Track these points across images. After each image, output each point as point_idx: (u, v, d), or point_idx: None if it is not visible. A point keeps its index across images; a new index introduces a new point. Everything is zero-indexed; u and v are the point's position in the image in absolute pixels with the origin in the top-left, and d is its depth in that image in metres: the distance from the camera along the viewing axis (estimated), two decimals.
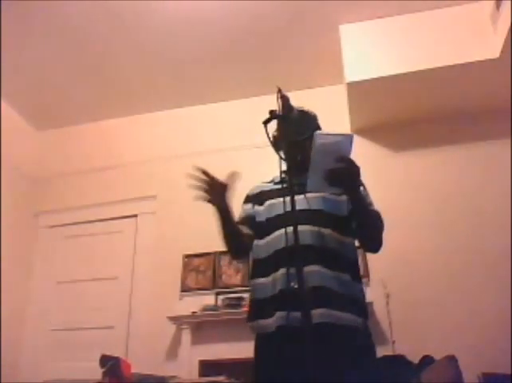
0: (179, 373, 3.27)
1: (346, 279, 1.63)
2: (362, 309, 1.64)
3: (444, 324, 3.18)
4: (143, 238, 4.07)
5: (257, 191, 1.90)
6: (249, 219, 1.84)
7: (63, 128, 4.64)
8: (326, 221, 1.67)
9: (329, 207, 1.70)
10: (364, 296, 1.69)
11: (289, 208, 1.39)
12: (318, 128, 1.91)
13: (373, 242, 1.72)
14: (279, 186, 1.81)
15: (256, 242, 1.78)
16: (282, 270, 1.60)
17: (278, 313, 1.56)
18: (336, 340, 1.50)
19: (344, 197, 1.72)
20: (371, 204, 1.76)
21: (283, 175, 1.71)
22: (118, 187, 4.28)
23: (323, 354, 1.30)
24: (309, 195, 1.69)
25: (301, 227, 1.51)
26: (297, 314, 1.38)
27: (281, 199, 1.56)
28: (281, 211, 1.64)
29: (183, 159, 4.22)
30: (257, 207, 1.84)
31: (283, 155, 1.66)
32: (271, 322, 1.59)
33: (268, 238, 1.71)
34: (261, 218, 1.80)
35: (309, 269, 1.55)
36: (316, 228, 1.64)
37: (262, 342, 1.65)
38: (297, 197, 1.50)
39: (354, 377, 1.47)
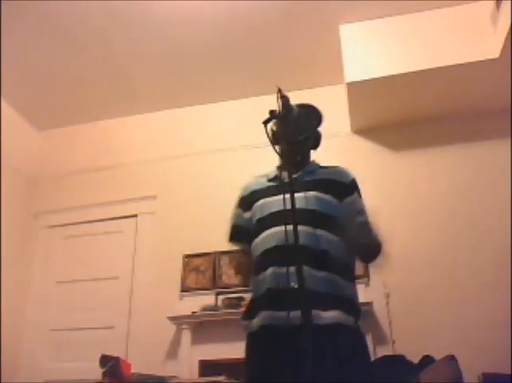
0: (179, 373, 3.27)
1: (336, 280, 1.61)
2: (353, 308, 1.62)
3: (444, 324, 3.18)
4: (143, 238, 4.07)
5: (248, 191, 1.88)
6: (240, 231, 1.86)
7: (63, 128, 4.64)
8: (320, 221, 1.65)
9: (323, 207, 1.69)
10: (356, 296, 1.68)
11: (282, 208, 1.39)
12: (319, 125, 1.90)
13: (367, 259, 1.77)
14: (273, 183, 1.80)
15: (254, 241, 1.76)
16: (271, 269, 1.60)
17: (264, 313, 1.56)
18: (321, 340, 1.46)
19: (336, 200, 1.72)
20: (362, 212, 1.75)
21: (278, 173, 1.70)
22: (118, 187, 4.27)
23: (308, 354, 1.30)
24: (301, 194, 1.67)
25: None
26: (283, 314, 1.38)
27: (275, 198, 1.55)
28: (274, 210, 1.65)
29: (182, 159, 4.23)
30: (249, 212, 1.84)
31: (282, 154, 1.67)
32: (255, 321, 1.60)
33: (260, 237, 1.71)
34: (256, 216, 1.79)
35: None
36: (309, 228, 1.62)
37: (249, 341, 1.66)
38: (288, 195, 1.50)
39: (342, 377, 1.45)
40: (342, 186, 1.76)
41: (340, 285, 1.62)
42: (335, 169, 1.85)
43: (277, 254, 1.56)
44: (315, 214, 1.66)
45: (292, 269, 1.47)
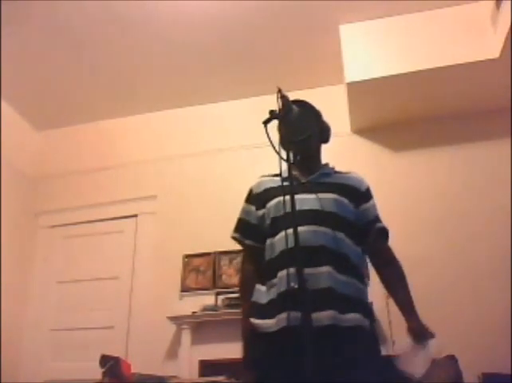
0: (179, 373, 3.27)
1: (355, 283, 1.63)
2: (369, 311, 1.65)
3: (444, 324, 3.18)
4: (143, 238, 4.07)
5: (261, 189, 1.82)
6: (249, 228, 1.79)
7: (63, 128, 4.63)
8: (339, 224, 1.65)
9: (342, 211, 1.67)
10: (368, 299, 1.71)
11: (296, 207, 1.38)
12: (320, 126, 1.89)
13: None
14: (287, 183, 1.78)
15: (269, 241, 1.71)
16: (290, 270, 1.55)
17: (286, 314, 1.52)
18: (342, 342, 1.50)
19: (352, 205, 1.72)
20: (379, 219, 1.77)
21: (295, 173, 1.68)
22: (118, 187, 4.28)
23: (329, 356, 1.30)
24: (321, 195, 1.66)
25: (315, 228, 1.54)
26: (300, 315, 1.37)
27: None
28: (289, 210, 1.63)
29: (183, 159, 4.23)
30: (262, 210, 1.78)
31: (285, 156, 1.66)
32: (276, 322, 1.56)
33: (277, 237, 1.66)
34: (270, 215, 1.73)
35: (322, 270, 1.54)
36: (329, 230, 1.61)
37: (264, 342, 1.60)
38: (307, 196, 1.52)
39: (361, 378, 1.47)
40: (359, 193, 1.77)
41: (358, 288, 1.64)
42: (350, 175, 1.84)
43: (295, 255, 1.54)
44: (334, 216, 1.65)
45: (315, 270, 1.50)
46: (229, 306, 3.41)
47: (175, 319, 3.51)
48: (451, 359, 2.53)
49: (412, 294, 3.25)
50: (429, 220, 3.51)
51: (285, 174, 1.81)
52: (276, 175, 1.83)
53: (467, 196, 3.54)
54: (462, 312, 3.19)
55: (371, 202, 1.78)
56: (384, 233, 1.78)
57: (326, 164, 1.87)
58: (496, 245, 3.30)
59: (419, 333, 1.71)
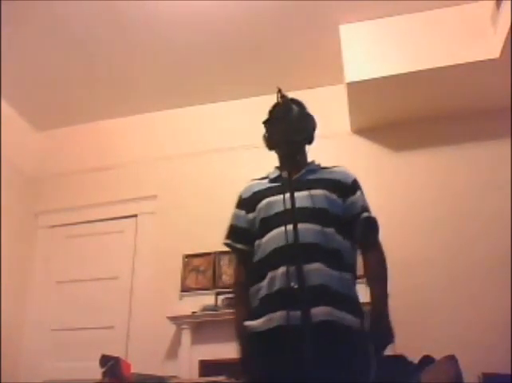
0: (179, 373, 3.27)
1: (347, 279, 1.63)
2: (360, 309, 1.64)
3: (444, 324, 3.18)
4: (143, 238, 4.07)
5: (250, 193, 1.85)
6: (239, 232, 1.82)
7: (63, 128, 4.63)
8: (329, 220, 1.66)
9: (332, 207, 1.69)
10: (358, 296, 1.70)
11: (289, 207, 1.39)
12: (315, 126, 1.90)
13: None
14: (276, 184, 1.78)
15: (257, 242, 1.73)
16: (282, 269, 1.57)
17: (278, 313, 1.54)
18: (336, 339, 1.50)
19: (340, 200, 1.72)
20: (366, 209, 1.76)
21: (280, 173, 1.69)
22: (118, 187, 4.28)
23: (323, 353, 1.30)
24: (312, 192, 1.68)
25: (304, 225, 1.52)
26: (297, 313, 1.35)
27: (280, 197, 1.53)
28: (280, 209, 1.62)
29: (183, 159, 4.23)
30: (253, 213, 1.80)
31: (281, 155, 1.66)
32: (265, 321, 1.57)
33: (267, 236, 1.68)
34: (260, 216, 1.76)
35: (312, 267, 1.54)
36: (319, 227, 1.63)
37: (258, 341, 1.61)
38: (298, 194, 1.50)
39: (352, 377, 1.47)
40: (345, 186, 1.77)
41: (350, 285, 1.64)
42: (336, 169, 1.85)
43: (288, 253, 1.52)
44: (325, 212, 1.66)
45: (306, 267, 1.48)
46: (229, 305, 3.41)
47: (175, 319, 3.51)
48: (451, 359, 2.53)
49: (412, 293, 3.26)
50: (429, 220, 3.51)
51: (272, 175, 1.83)
52: (264, 179, 1.88)
53: (467, 196, 3.54)
54: (462, 312, 3.19)
55: (358, 193, 1.78)
56: (370, 222, 1.75)
57: (312, 162, 1.88)
58: (496, 245, 3.30)
59: (380, 342, 1.59)
